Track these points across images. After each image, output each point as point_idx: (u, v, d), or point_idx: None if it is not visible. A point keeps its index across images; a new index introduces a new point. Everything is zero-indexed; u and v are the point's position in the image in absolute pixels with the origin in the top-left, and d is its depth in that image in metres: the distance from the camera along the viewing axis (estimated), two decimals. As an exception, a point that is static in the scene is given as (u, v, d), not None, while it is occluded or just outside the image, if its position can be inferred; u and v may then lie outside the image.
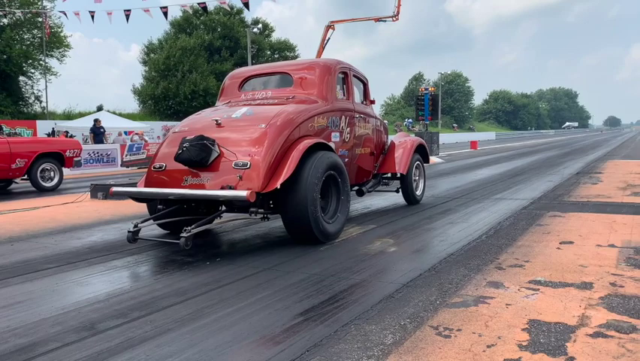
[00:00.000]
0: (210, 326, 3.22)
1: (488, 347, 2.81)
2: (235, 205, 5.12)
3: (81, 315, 3.48)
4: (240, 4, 30.36)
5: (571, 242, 5.31)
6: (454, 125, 72.23)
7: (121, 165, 19.08)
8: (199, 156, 5.01)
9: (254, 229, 6.63)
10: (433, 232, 6.35)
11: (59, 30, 36.77)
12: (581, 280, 4.00)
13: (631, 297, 3.58)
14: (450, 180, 12.39)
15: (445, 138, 40.03)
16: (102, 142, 21.27)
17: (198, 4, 22.18)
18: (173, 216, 5.66)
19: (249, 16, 46.33)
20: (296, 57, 50.18)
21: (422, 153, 8.66)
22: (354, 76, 7.11)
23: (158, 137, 29.52)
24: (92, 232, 6.62)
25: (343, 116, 6.52)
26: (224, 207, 5.46)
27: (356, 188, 7.29)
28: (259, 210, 5.09)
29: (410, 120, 52.12)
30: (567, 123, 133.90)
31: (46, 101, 35.07)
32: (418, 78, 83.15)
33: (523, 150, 26.24)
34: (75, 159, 12.55)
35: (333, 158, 5.65)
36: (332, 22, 54.66)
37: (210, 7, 27.71)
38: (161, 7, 20.74)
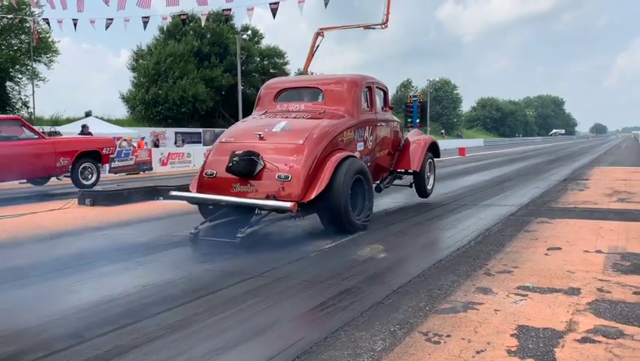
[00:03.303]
0: (199, 333, 3.20)
1: (477, 353, 2.82)
2: (279, 212, 5.90)
3: (69, 323, 3.44)
4: (232, 11, 30.47)
5: (558, 248, 5.36)
6: (442, 131, 72.61)
7: (109, 172, 18.93)
8: (246, 168, 5.81)
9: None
10: (421, 237, 6.38)
11: (47, 35, 36.54)
12: (568, 285, 4.04)
13: (618, 302, 3.62)
14: (439, 187, 12.41)
15: (434, 144, 40.47)
16: (90, 148, 21.07)
17: (179, 16, 22.16)
18: (224, 217, 6.45)
19: (238, 22, 46.41)
20: (286, 64, 50.27)
21: (434, 150, 9.40)
22: (376, 87, 7.83)
23: (146, 143, 29.35)
24: (79, 239, 6.56)
25: (367, 127, 7.30)
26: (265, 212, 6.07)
27: (374, 185, 7.69)
28: (299, 214, 5.96)
29: (399, 127, 52.36)
30: (554, 130, 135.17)
31: (34, 107, 34.82)
32: (406, 85, 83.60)
33: (510, 156, 26.48)
34: (111, 156, 13.67)
35: (359, 164, 6.57)
36: (321, 29, 54.82)
37: (199, 15, 27.72)
38: (143, 17, 20.65)
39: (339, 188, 5.96)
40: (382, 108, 8.04)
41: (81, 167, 12.01)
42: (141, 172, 19.34)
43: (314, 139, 6.10)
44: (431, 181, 9.32)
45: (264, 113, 7.29)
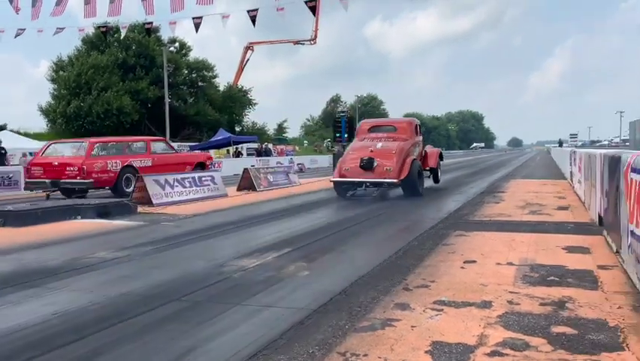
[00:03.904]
0: (110, 364, 3.06)
1: (392, 371, 2.87)
2: (387, 185, 12.12)
3: (-36, 359, 3.19)
4: (154, 24, 29.80)
5: (474, 261, 5.58)
6: (371, 145, 74.44)
7: (24, 189, 17.79)
8: (369, 165, 11.91)
9: (162, 258, 6.42)
10: (345, 253, 6.45)
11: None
12: (481, 298, 4.21)
13: (525, 314, 3.81)
14: (365, 200, 12.67)
15: (363, 158, 41.26)
16: (3, 164, 19.82)
17: (99, 27, 21.42)
18: (356, 188, 13.04)
19: (165, 34, 45.32)
20: (214, 77, 49.65)
21: (440, 156, 15.53)
22: (416, 124, 14.02)
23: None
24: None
25: (416, 145, 13.39)
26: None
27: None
28: (397, 185, 12.13)
29: (329, 141, 52.94)
30: (475, 144, 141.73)
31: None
32: (335, 100, 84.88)
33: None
34: (209, 162, 18.46)
35: (418, 163, 12.79)
36: (251, 43, 54.98)
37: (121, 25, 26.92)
38: (58, 28, 19.79)
39: (413, 174, 12.19)
40: (417, 134, 13.80)
41: (124, 177, 14.08)
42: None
43: (398, 151, 12.25)
44: (439, 174, 15.32)
45: (363, 139, 13.30)
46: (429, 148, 14.89)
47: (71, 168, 13.41)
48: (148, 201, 11.25)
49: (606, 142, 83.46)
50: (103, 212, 9.95)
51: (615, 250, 5.59)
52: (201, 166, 16.61)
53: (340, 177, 12.32)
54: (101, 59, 41.35)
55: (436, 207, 11.01)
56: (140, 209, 10.73)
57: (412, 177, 12.03)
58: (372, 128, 13.75)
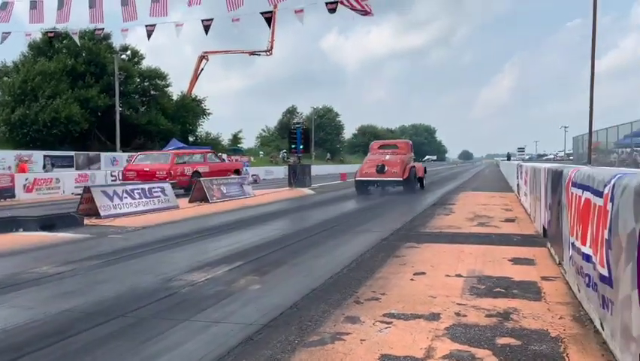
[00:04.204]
0: (48, 385, 2.93)
1: (340, 386, 2.86)
2: (396, 183, 17.97)
3: None
4: (108, 30, 29.13)
5: (423, 273, 5.66)
6: (328, 157, 74.64)
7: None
8: (383, 170, 17.84)
9: (107, 273, 6.22)
10: (298, 266, 6.42)
11: None
12: (430, 311, 4.26)
13: (472, 326, 3.88)
14: (319, 212, 12.71)
15: (318, 169, 41.14)
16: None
17: (46, 33, 20.70)
18: (375, 186, 18.67)
19: (117, 42, 44.24)
20: (167, 85, 48.80)
21: (425, 170, 21.68)
22: (411, 144, 20.75)
23: (10, 167, 26.80)
24: None
25: (411, 158, 19.45)
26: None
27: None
28: (400, 183, 17.90)
29: (285, 151, 52.89)
30: (427, 157, 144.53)
31: None
32: (291, 111, 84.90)
33: (388, 182, 27.81)
34: (241, 169, 22.82)
35: (415, 169, 19.17)
36: (205, 52, 54.38)
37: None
38: (4, 32, 19.03)
39: (411, 176, 18.07)
40: (411, 151, 19.84)
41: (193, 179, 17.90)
42: (1, 200, 17.58)
43: (401, 161, 18.15)
44: (425, 182, 21.21)
45: (375, 154, 19.22)
46: (417, 164, 20.27)
47: (161, 172, 17.82)
48: (95, 213, 10.89)
49: (552, 156, 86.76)
50: (46, 224, 9.56)
51: (558, 262, 5.79)
52: (237, 172, 20.60)
53: (362, 177, 18.32)
54: (49, 66, 39.95)
55: (390, 218, 11.12)
56: (86, 221, 10.38)
57: (410, 178, 18.20)
58: (381, 146, 20.61)
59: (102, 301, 4.75)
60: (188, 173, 18.60)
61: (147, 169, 18.18)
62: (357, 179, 18.44)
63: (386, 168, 17.73)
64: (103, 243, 8.31)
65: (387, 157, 18.39)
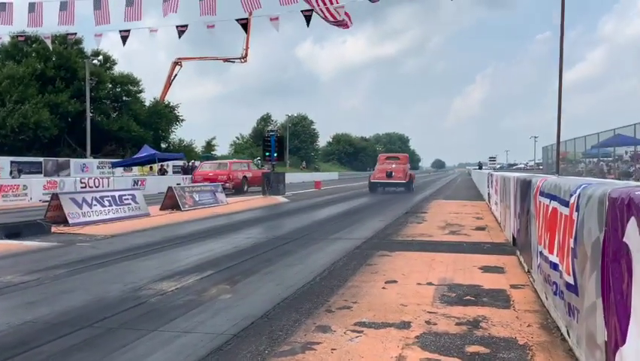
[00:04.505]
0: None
1: (310, 396, 2.84)
2: (400, 185, 25.09)
3: None
4: (81, 34, 28.74)
5: (395, 281, 5.68)
6: (303, 165, 74.66)
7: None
8: (391, 175, 25.04)
9: (74, 282, 6.08)
10: (270, 275, 6.37)
11: None
12: (400, 319, 4.28)
13: (442, 334, 3.90)
14: (293, 220, 12.67)
15: (292, 177, 41.02)
16: None
17: (17, 36, 20.26)
18: (384, 188, 25.64)
19: (90, 47, 43.51)
20: (140, 91, 48.23)
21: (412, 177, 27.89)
22: (408, 157, 30.04)
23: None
24: None
25: (409, 167, 27.70)
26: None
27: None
28: (403, 185, 25.14)
29: (259, 159, 52.70)
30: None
31: None
32: (266, 119, 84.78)
33: (361, 190, 27.84)
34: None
35: (413, 175, 28.29)
36: (179, 58, 53.92)
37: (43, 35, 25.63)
38: None
39: (411, 180, 25.87)
40: (409, 162, 28.18)
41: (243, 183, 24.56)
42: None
43: (403, 169, 25.69)
44: (413, 186, 26.53)
45: (383, 163, 26.56)
46: (411, 172, 27.17)
47: (222, 176, 23.27)
48: (63, 221, 10.65)
49: (522, 165, 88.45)
50: (12, 232, 9.30)
51: (527, 270, 5.88)
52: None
53: (376, 180, 25.09)
54: (17, 70, 39.08)
55: (363, 226, 11.16)
56: (54, 229, 10.14)
57: (410, 182, 25.26)
58: (387, 158, 27.64)
59: (68, 312, 4.64)
60: (240, 177, 24.62)
61: (211, 174, 23.80)
62: (372, 181, 25.28)
63: (393, 174, 24.79)
64: (70, 251, 8.13)
65: (394, 166, 25.62)
